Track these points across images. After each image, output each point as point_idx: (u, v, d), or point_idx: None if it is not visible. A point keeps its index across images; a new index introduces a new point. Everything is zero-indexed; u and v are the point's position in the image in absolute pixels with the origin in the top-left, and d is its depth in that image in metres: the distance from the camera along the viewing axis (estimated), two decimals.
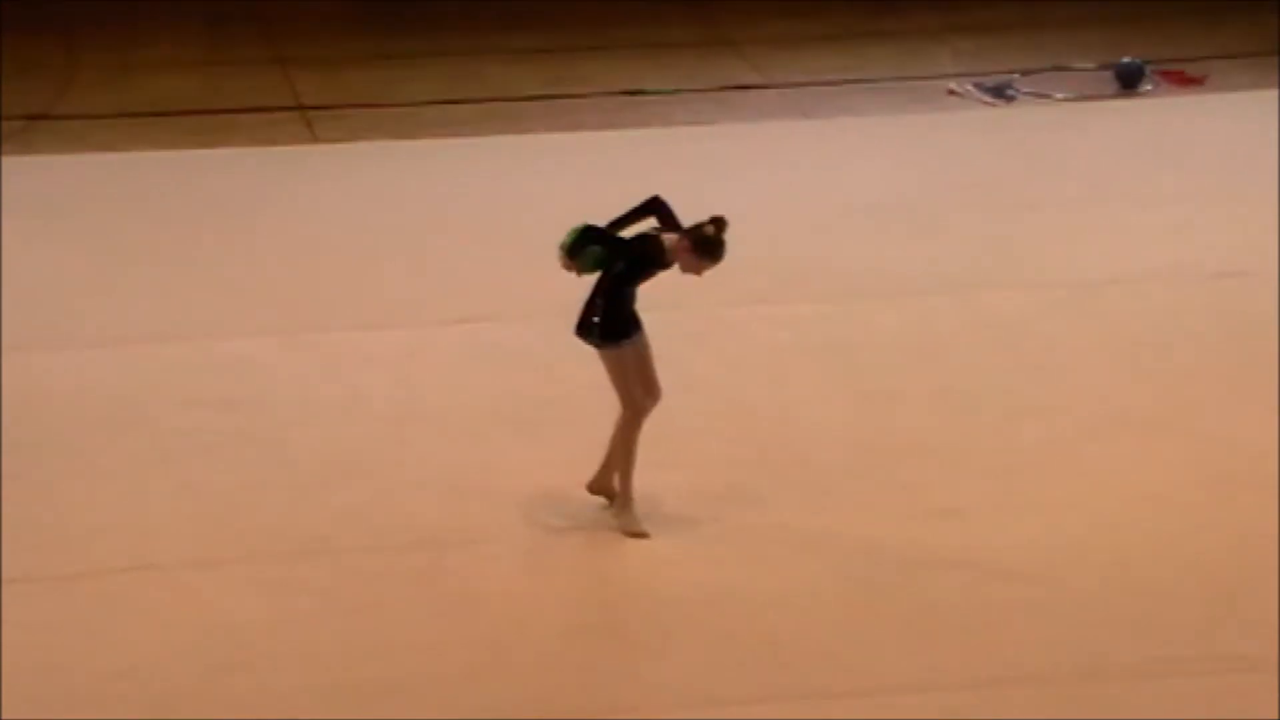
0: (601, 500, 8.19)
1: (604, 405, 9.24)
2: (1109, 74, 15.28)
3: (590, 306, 8.09)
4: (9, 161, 12.84)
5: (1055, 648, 7.15)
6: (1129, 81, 15.16)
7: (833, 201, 12.49)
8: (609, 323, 8.04)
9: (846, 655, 7.14)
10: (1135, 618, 7.34)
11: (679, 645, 7.21)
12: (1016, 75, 15.42)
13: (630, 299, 8.14)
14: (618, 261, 8.03)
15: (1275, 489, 8.24)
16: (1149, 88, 15.18)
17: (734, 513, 8.20)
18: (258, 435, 9.08)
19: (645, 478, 8.44)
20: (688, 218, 12.41)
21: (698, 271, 8.07)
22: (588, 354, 10.12)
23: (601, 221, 8.16)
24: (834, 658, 7.11)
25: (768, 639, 7.24)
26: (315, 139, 14.16)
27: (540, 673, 7.06)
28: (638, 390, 8.13)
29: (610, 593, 7.60)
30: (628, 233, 8.19)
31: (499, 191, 12.87)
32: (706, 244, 7.99)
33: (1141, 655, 7.07)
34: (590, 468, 8.49)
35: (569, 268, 8.15)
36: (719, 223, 8.06)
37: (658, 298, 10.79)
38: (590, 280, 8.16)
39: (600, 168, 13.40)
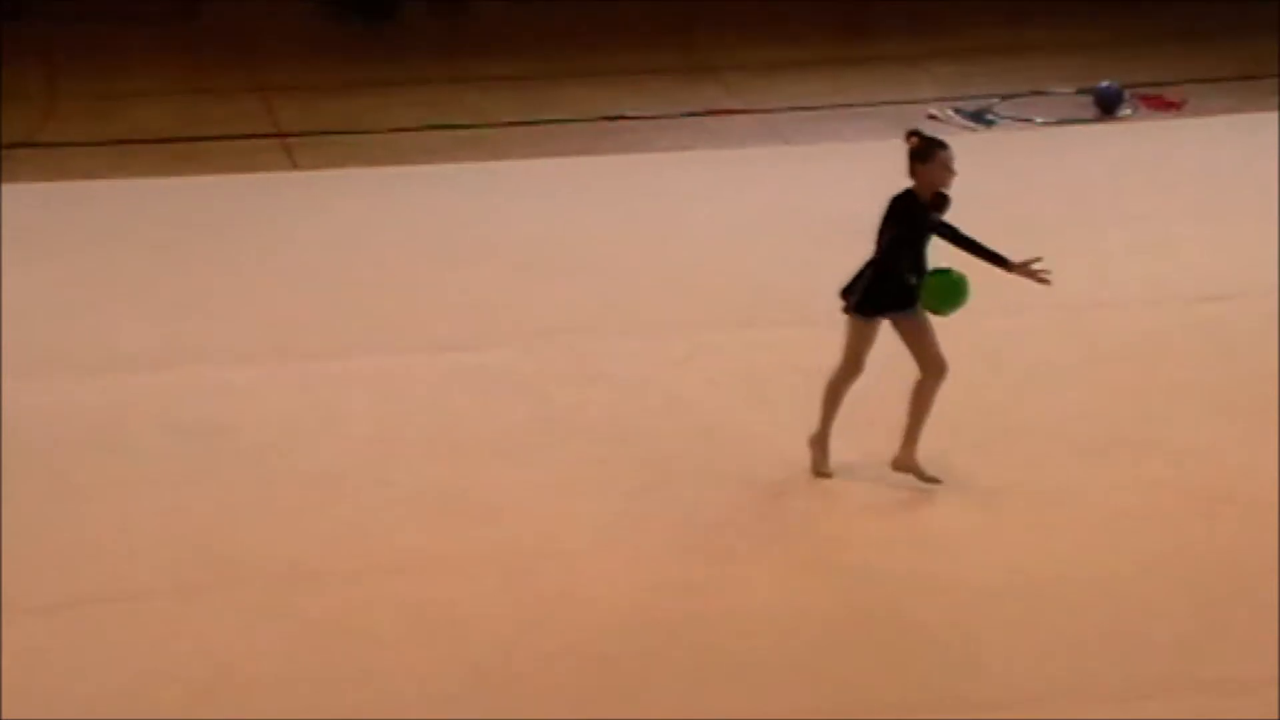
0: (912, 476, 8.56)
1: (588, 428, 9.23)
2: (1088, 98, 15.34)
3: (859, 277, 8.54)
4: None
5: (1045, 669, 7.11)
6: (1108, 106, 15.21)
7: (813, 227, 12.49)
8: (866, 296, 8.48)
9: (832, 677, 7.10)
10: (1126, 639, 7.30)
11: (663, 668, 7.18)
12: (996, 100, 15.47)
13: (898, 271, 8.38)
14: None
15: (1262, 508, 8.21)
16: (1128, 112, 15.23)
17: (717, 535, 8.18)
18: (241, 462, 9.03)
19: (623, 504, 8.40)
20: (668, 242, 12.51)
21: (946, 182, 8.48)
22: (570, 378, 10.14)
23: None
24: (819, 680, 7.07)
25: (752, 661, 7.20)
26: (295, 166, 14.16)
27: (524, 697, 7.02)
28: (853, 362, 8.54)
29: (595, 616, 7.57)
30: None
31: (479, 218, 12.86)
32: (916, 154, 8.48)
33: (1133, 676, 7.03)
34: (577, 491, 8.49)
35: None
36: (913, 135, 8.60)
37: (643, 322, 10.83)
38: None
39: (580, 194, 13.41)
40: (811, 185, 13.51)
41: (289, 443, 9.24)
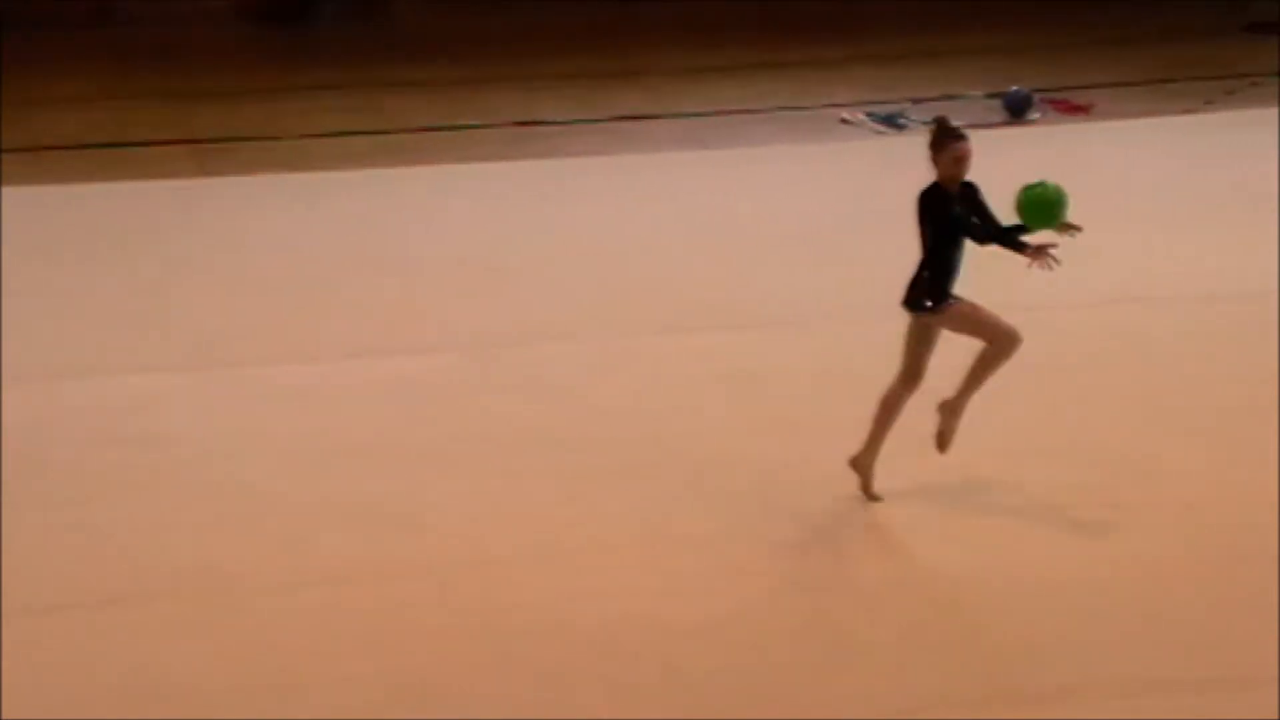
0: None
1: (517, 436, 9.22)
2: (998, 102, 15.54)
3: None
4: None
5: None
6: (1018, 110, 15.41)
7: (729, 231, 12.57)
8: (935, 288, 8.16)
9: (763, 686, 7.09)
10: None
11: (598, 677, 7.19)
12: (908, 104, 15.64)
13: (947, 264, 8.13)
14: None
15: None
16: (1037, 116, 15.43)
17: (651, 541, 8.18)
18: (163, 472, 8.95)
19: (556, 511, 8.40)
20: (589, 248, 12.56)
21: (957, 174, 8.04)
22: (493, 385, 10.15)
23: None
24: (754, 689, 7.06)
25: (685, 669, 7.21)
26: (207, 173, 14.12)
27: (456, 708, 7.02)
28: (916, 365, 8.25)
29: (526, 624, 7.56)
30: None
31: (397, 224, 12.85)
32: (931, 143, 8.11)
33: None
34: (508, 499, 8.49)
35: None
36: (936, 121, 8.26)
37: (567, 328, 10.84)
38: None
39: (497, 199, 13.43)
40: (729, 189, 13.60)
41: (210, 452, 9.17)
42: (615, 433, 9.24)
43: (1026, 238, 8.22)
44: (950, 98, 15.71)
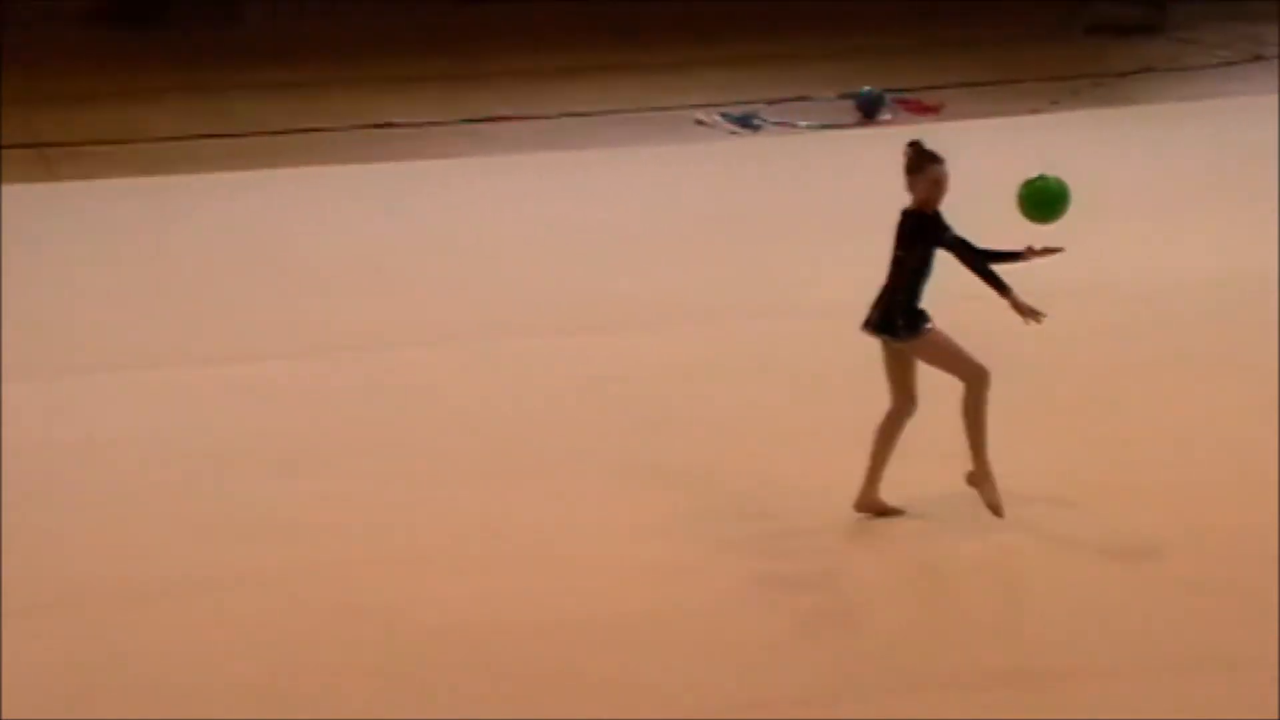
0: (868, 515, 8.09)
1: (379, 440, 9.18)
2: (850, 103, 15.70)
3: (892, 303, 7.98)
4: None
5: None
6: (869, 110, 15.58)
7: (587, 233, 12.61)
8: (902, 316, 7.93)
9: (627, 682, 7.10)
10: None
11: (483, 677, 7.13)
12: (762, 105, 15.76)
13: (913, 291, 7.90)
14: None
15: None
16: (888, 116, 15.61)
17: (521, 541, 8.16)
18: (41, 478, 8.81)
19: (430, 513, 8.35)
20: (445, 250, 12.53)
21: (935, 198, 7.82)
22: (352, 391, 10.07)
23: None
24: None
25: (567, 669, 7.18)
26: (54, 177, 13.95)
27: (347, 709, 6.95)
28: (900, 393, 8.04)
29: (407, 626, 7.51)
30: None
31: (251, 229, 12.76)
32: (908, 166, 7.88)
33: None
34: (365, 504, 8.44)
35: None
36: (912, 145, 7.99)
37: (427, 332, 10.80)
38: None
39: (351, 202, 13.37)
40: (584, 191, 13.63)
41: (59, 460, 9.05)
42: (479, 435, 9.22)
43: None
44: (803, 99, 15.87)
